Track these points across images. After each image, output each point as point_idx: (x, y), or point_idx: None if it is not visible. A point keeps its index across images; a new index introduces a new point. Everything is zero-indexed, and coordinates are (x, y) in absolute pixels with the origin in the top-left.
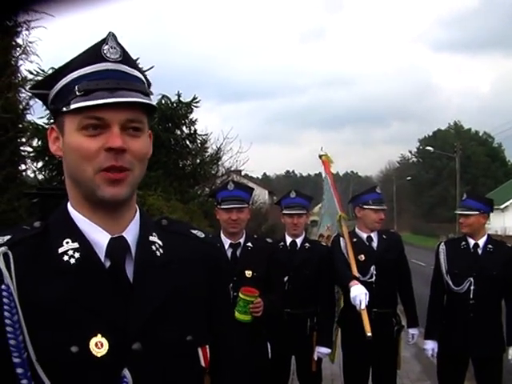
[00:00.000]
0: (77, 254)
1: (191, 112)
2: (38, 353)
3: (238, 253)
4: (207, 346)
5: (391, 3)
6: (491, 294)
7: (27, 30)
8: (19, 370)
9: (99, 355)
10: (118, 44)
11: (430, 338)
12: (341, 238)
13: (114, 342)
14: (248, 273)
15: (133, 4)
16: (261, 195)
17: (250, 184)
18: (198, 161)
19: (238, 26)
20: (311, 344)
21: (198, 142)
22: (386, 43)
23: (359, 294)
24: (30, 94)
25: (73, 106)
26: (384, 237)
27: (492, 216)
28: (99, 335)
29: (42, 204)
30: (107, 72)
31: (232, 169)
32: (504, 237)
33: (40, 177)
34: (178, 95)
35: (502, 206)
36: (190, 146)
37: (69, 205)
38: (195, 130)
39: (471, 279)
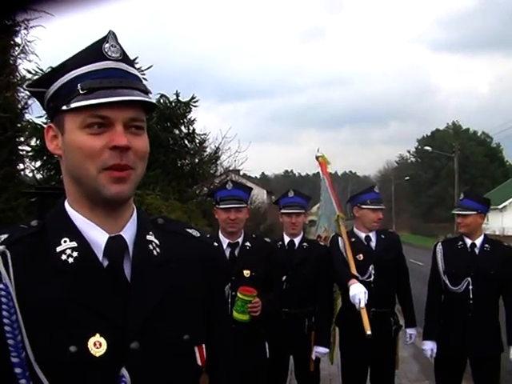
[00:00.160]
0: (75, 253)
1: (190, 111)
2: (36, 352)
3: (236, 252)
4: (204, 345)
5: (390, 4)
6: (489, 294)
7: (26, 29)
8: (18, 370)
9: (98, 355)
10: (118, 43)
11: (429, 338)
12: (339, 238)
13: (112, 341)
14: (246, 272)
15: (132, 4)
16: (259, 195)
17: (249, 184)
18: (197, 160)
19: (237, 25)
20: (309, 344)
21: (197, 141)
22: (385, 43)
23: (358, 292)
24: (28, 94)
25: (77, 105)
26: (382, 236)
27: (490, 216)
28: (97, 335)
29: (41, 203)
30: (109, 70)
31: (230, 168)
32: (502, 237)
33: (38, 176)
34: (177, 94)
35: (501, 206)
36: (189, 145)
37: (66, 203)
38: (194, 130)
39: (469, 279)
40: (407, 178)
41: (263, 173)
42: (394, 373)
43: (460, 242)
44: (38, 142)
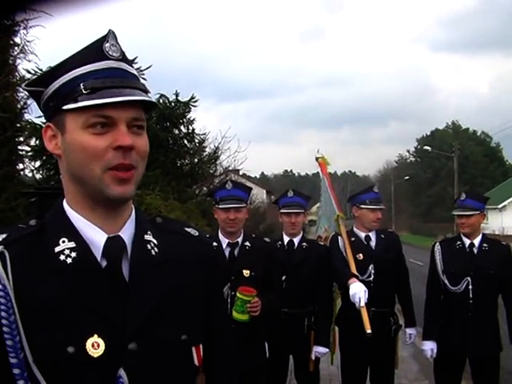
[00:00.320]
0: (73, 254)
1: (189, 111)
2: (34, 353)
3: (235, 252)
4: (201, 346)
5: (390, 4)
6: (488, 293)
7: (25, 28)
8: (16, 371)
9: (95, 356)
10: (118, 42)
11: (429, 338)
12: (339, 237)
13: (110, 342)
14: (246, 272)
15: (132, 4)
16: (259, 195)
17: (248, 183)
18: (196, 160)
19: (237, 25)
20: (309, 344)
21: (196, 141)
22: (385, 43)
23: (358, 291)
24: (28, 93)
25: (81, 104)
26: (382, 236)
27: (490, 216)
28: (96, 335)
29: (40, 203)
30: (110, 70)
31: (230, 168)
32: (502, 236)
33: (38, 176)
34: (176, 94)
35: (500, 206)
36: (188, 145)
37: (65, 203)
38: (193, 130)
39: (468, 279)
40: (407, 177)
41: (263, 173)
42: (393, 373)
43: (458, 242)
44: (37, 141)
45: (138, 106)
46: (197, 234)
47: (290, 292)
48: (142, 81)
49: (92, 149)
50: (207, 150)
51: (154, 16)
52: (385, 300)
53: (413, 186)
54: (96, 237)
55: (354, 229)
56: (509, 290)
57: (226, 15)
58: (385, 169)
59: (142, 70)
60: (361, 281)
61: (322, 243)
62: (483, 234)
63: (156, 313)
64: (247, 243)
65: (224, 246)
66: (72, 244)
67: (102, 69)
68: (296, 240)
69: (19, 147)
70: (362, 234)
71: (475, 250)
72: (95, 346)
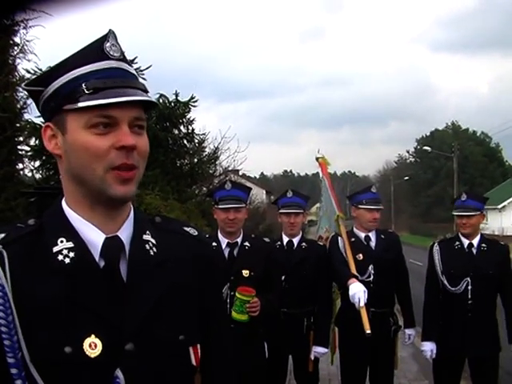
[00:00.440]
0: (71, 254)
1: (189, 111)
2: (32, 353)
3: (235, 252)
4: (198, 345)
5: (390, 4)
6: (488, 294)
7: (25, 28)
8: (13, 371)
9: (93, 356)
10: (118, 42)
11: (428, 339)
12: (339, 238)
13: (107, 342)
14: (245, 272)
15: (131, 4)
16: (258, 195)
17: (248, 184)
18: (196, 160)
19: (237, 25)
20: (308, 344)
21: (196, 141)
22: (385, 43)
23: (358, 291)
24: (27, 93)
25: (84, 104)
26: (382, 236)
27: (489, 216)
28: (93, 336)
29: (40, 203)
30: (111, 70)
31: (230, 168)
32: (501, 237)
33: (37, 176)
34: (176, 94)
35: (500, 206)
36: (188, 145)
37: (63, 203)
38: (193, 130)
39: (468, 279)
40: (406, 178)
41: (262, 173)
42: (392, 373)
43: (457, 242)
44: (37, 141)
45: (139, 106)
46: (196, 233)
47: (290, 292)
48: (141, 80)
49: (95, 149)
50: (207, 150)
51: (153, 16)
52: (384, 300)
53: (412, 186)
54: (94, 237)
55: (354, 229)
56: (507, 290)
57: (225, 15)
58: (384, 169)
59: (141, 70)
60: (360, 281)
61: (321, 243)
62: (481, 234)
63: (154, 313)
64: (246, 243)
65: (223, 246)
66: (70, 244)
67: (104, 69)
68: (295, 240)
69: (19, 147)
70: (362, 235)
71: (474, 251)
72: (92, 347)
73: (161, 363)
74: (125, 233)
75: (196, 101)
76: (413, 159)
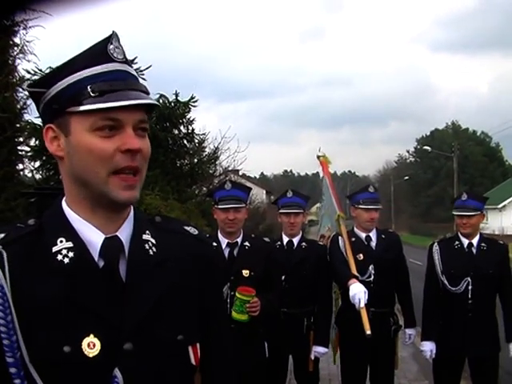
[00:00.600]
0: (71, 254)
1: (189, 111)
2: (30, 352)
3: (235, 252)
4: (198, 345)
5: (390, 4)
6: (488, 293)
7: (25, 29)
8: (12, 370)
9: (91, 355)
10: (120, 44)
11: (428, 339)
12: (339, 238)
13: (106, 342)
14: (245, 272)
15: (131, 4)
16: (258, 195)
17: (248, 184)
18: (196, 160)
19: (237, 25)
20: (308, 343)
21: (196, 141)
22: (385, 43)
23: (358, 292)
24: (27, 94)
25: (92, 107)
26: (383, 236)
27: (490, 216)
28: (92, 335)
29: (40, 203)
30: (116, 73)
31: (230, 168)
32: (502, 236)
33: (37, 176)
34: (176, 94)
35: (500, 206)
36: (188, 145)
37: (63, 203)
38: (193, 130)
39: (468, 279)
40: (406, 177)
41: (262, 173)
42: (393, 373)
43: (457, 242)
44: (37, 142)
45: (142, 109)
46: (196, 232)
47: (290, 292)
48: (142, 82)
49: (100, 152)
50: (207, 150)
51: (153, 16)
52: (385, 300)
53: (412, 186)
54: (93, 237)
55: (355, 229)
56: (506, 290)
57: (225, 15)
58: (384, 169)
59: (141, 70)
60: (361, 281)
61: (323, 242)
62: (481, 234)
63: (153, 312)
64: (246, 243)
65: (223, 246)
66: (70, 244)
67: (109, 71)
68: (295, 240)
69: (19, 147)
70: (363, 235)
71: (474, 250)
72: (91, 346)
73: (160, 363)
74: (124, 233)
75: (196, 101)
76: (413, 159)
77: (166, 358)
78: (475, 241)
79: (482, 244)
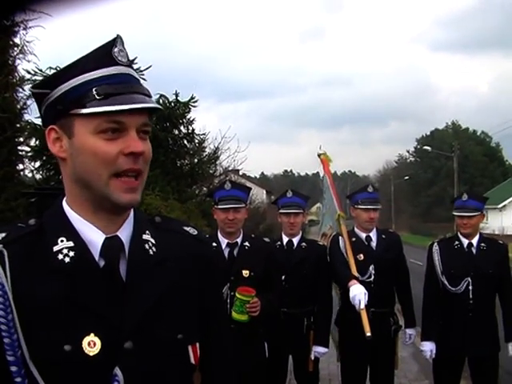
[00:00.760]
0: (71, 253)
1: (189, 111)
2: (31, 351)
3: (235, 252)
4: (197, 344)
5: (390, 3)
6: (488, 293)
7: (25, 29)
8: (13, 368)
9: (91, 354)
10: (124, 47)
11: (428, 339)
12: (340, 238)
13: (106, 340)
14: (245, 272)
15: (131, 4)
16: (258, 195)
17: (248, 183)
18: (196, 160)
19: (237, 25)
20: (308, 343)
21: (196, 141)
22: (385, 43)
23: (358, 293)
24: (27, 94)
25: (96, 110)
26: (383, 236)
27: (490, 215)
28: (92, 334)
29: (40, 203)
30: (120, 76)
31: (230, 168)
32: (502, 236)
33: (38, 176)
34: (176, 95)
35: (500, 206)
36: (188, 145)
37: (64, 203)
38: (193, 130)
39: (469, 279)
40: (406, 177)
41: (262, 173)
42: (393, 373)
43: (456, 242)
44: (37, 142)
45: (145, 112)
46: (196, 232)
47: (290, 292)
48: (144, 85)
49: (103, 154)
50: (207, 150)
51: (153, 16)
52: (385, 300)
53: (412, 185)
54: (94, 237)
55: (355, 229)
56: (506, 289)
57: (225, 15)
58: (384, 169)
59: (141, 71)
60: (361, 281)
61: (323, 242)
62: (481, 234)
63: (153, 312)
64: (246, 243)
65: (223, 246)
66: (70, 243)
67: (113, 74)
68: (295, 240)
69: (19, 147)
70: (363, 235)
71: (474, 250)
72: (91, 345)
73: (159, 362)
74: (124, 233)
75: (196, 101)
76: (413, 159)
77: (165, 356)
78: (475, 241)
79: (482, 244)
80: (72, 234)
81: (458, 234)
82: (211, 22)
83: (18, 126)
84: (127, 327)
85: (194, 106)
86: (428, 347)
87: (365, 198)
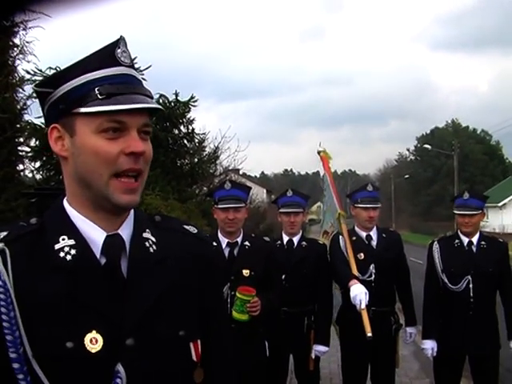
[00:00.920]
0: (73, 251)
1: (189, 111)
2: (33, 348)
3: (235, 252)
4: (199, 341)
5: (390, 3)
6: (488, 291)
7: (24, 29)
8: (15, 365)
9: (94, 351)
10: (127, 48)
11: (429, 337)
12: (340, 237)
13: (108, 337)
14: (245, 272)
15: (131, 4)
16: (259, 194)
17: (248, 183)
18: (196, 160)
19: (237, 24)
20: (308, 342)
21: (196, 141)
22: (385, 42)
23: (359, 293)
24: (27, 94)
25: (98, 109)
26: (384, 235)
27: (490, 214)
28: (94, 331)
29: (40, 204)
30: (123, 76)
31: (230, 168)
32: (502, 234)
33: (38, 177)
34: (176, 94)
35: (500, 204)
36: (188, 145)
37: (65, 202)
38: (193, 129)
39: (469, 277)
40: (407, 176)
41: (263, 172)
42: (394, 371)
43: (457, 241)
44: (37, 142)
45: (146, 113)
46: (196, 231)
47: (290, 291)
48: (146, 86)
49: (105, 154)
50: (207, 149)
51: (153, 16)
52: (385, 299)
53: (413, 184)
54: (95, 235)
55: (355, 228)
56: (506, 287)
57: (225, 15)
58: (385, 167)
59: (141, 70)
60: (362, 280)
61: (321, 242)
62: (481, 232)
63: (154, 309)
64: (246, 243)
65: (223, 245)
66: (72, 241)
67: (116, 74)
68: (295, 239)
69: (19, 148)
70: (363, 234)
71: (474, 249)
72: (93, 342)
73: (161, 358)
74: (125, 231)
75: (196, 100)
76: (413, 157)
77: (167, 353)
78: (475, 239)
79: (482, 242)
80: (73, 232)
81: (459, 232)
82: (211, 22)
83: (18, 126)
84: (128, 324)
85: (194, 106)
86: (429, 345)
87: (364, 197)
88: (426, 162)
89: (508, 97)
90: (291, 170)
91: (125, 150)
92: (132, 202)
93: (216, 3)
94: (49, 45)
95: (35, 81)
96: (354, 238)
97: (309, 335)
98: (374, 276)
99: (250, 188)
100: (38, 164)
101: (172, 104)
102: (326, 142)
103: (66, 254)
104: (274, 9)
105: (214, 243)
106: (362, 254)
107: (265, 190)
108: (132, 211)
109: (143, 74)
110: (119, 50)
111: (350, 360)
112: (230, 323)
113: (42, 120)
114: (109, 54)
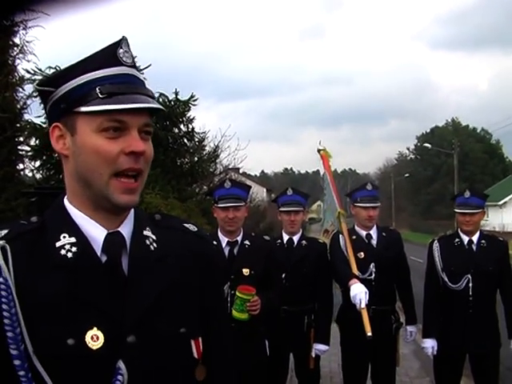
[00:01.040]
0: (74, 249)
1: (189, 110)
2: (35, 345)
3: (235, 251)
4: (200, 338)
5: (389, 2)
6: (488, 290)
7: (24, 29)
8: (16, 362)
9: (95, 348)
10: (130, 48)
11: (429, 336)
12: (340, 236)
13: (109, 334)
14: (245, 271)
15: (131, 4)
16: (259, 193)
17: (248, 182)
18: (196, 159)
19: (236, 24)
20: (309, 341)
21: (196, 140)
22: (385, 41)
23: (359, 292)
24: (27, 93)
25: (99, 108)
26: (384, 234)
27: (490, 212)
28: (95, 328)
29: (40, 203)
30: (124, 76)
31: (230, 167)
32: (502, 233)
33: (38, 176)
34: (176, 93)
35: (500, 203)
36: (188, 144)
37: (65, 200)
38: (193, 128)
39: (469, 276)
40: (407, 175)
41: (263, 171)
42: (394, 370)
43: (457, 239)
44: (37, 141)
45: (147, 113)
46: (196, 229)
47: (290, 290)
48: (148, 87)
49: (105, 153)
50: (207, 148)
51: (153, 16)
52: (386, 298)
53: (413, 183)
54: (96, 232)
55: (355, 227)
56: (507, 286)
57: (225, 14)
58: (385, 166)
59: (141, 70)
60: (362, 279)
61: (321, 241)
62: (481, 231)
63: (155, 306)
64: (246, 242)
65: (223, 244)
66: (73, 239)
67: (117, 74)
68: (295, 238)
69: (19, 147)
70: (363, 233)
71: (474, 247)
72: (94, 339)
73: (162, 355)
74: (125, 229)
75: (196, 99)
76: (413, 156)
77: (168, 350)
78: (475, 238)
79: (482, 241)
80: (74, 229)
81: (459, 231)
82: (211, 22)
83: (18, 125)
84: (129, 321)
85: (194, 105)
86: (429, 344)
87: (364, 196)
88: (426, 161)
89: (508, 95)
90: (291, 169)
91: (125, 149)
92: (131, 202)
93: (216, 3)
94: (49, 44)
95: (35, 80)
96: (354, 237)
97: (309, 334)
98: (374, 275)
99: (249, 187)
100: (37, 163)
101: (172, 103)
102: (326, 141)
103: (66, 252)
104: (273, 8)
105: (214, 242)
106: (362, 253)
107: (265, 189)
108: (132, 209)
109: (143, 74)
110: (121, 50)
111: (351, 359)
112: (230, 322)
113: (42, 119)
114: (111, 54)
